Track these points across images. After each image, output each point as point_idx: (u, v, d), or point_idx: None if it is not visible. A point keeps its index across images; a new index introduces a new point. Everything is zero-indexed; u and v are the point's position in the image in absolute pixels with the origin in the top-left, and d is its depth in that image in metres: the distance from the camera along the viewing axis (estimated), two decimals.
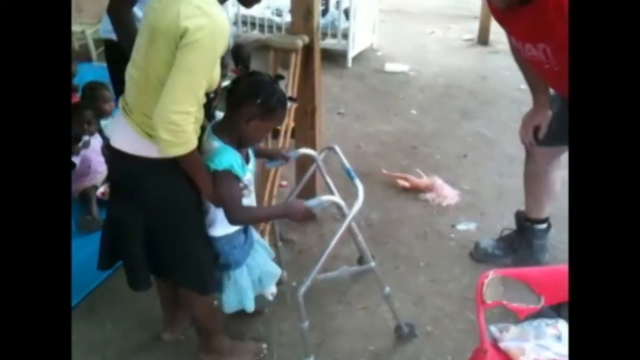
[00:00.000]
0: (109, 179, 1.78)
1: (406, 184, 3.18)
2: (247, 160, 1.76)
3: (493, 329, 1.74)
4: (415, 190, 3.15)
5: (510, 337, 1.68)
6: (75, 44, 5.47)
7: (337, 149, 2.11)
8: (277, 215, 1.79)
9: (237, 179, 1.66)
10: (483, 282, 1.59)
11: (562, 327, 1.70)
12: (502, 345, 1.61)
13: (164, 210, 1.67)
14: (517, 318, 1.66)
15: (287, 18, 5.07)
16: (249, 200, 1.79)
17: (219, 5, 1.49)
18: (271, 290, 2.04)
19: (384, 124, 4.04)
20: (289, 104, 1.75)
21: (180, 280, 1.84)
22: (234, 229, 1.79)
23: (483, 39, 5.66)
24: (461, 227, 2.87)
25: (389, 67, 5.07)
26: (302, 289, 1.81)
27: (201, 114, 1.60)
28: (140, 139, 1.56)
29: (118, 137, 1.63)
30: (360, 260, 2.00)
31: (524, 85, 4.63)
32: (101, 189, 3.04)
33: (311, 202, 1.77)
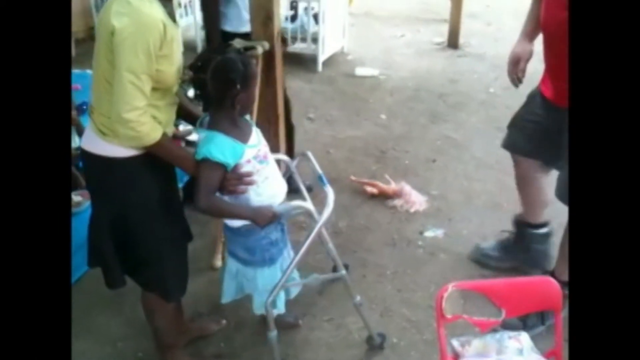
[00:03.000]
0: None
1: (374, 191, 3.14)
2: (248, 137, 1.71)
3: (455, 342, 1.70)
4: (383, 197, 3.12)
5: (472, 352, 1.65)
6: None
7: (310, 155, 2.09)
8: (243, 216, 1.73)
9: (220, 165, 1.62)
10: (442, 296, 1.56)
11: (524, 339, 1.67)
12: None
13: (125, 209, 1.66)
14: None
15: None
16: (265, 181, 1.73)
17: (154, 1, 1.50)
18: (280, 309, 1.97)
19: (353, 129, 4.00)
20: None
21: (143, 281, 1.81)
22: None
23: (453, 42, 5.66)
24: (429, 233, 2.84)
25: (359, 71, 5.04)
26: (270, 298, 1.79)
27: (166, 102, 1.63)
28: (98, 138, 1.59)
29: (84, 137, 1.67)
30: (334, 269, 1.99)
31: (492, 89, 4.71)
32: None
33: (279, 207, 1.75)
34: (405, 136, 3.87)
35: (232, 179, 1.66)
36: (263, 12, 2.28)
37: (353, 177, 3.25)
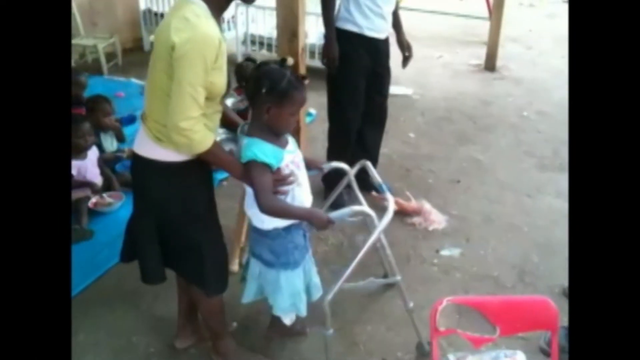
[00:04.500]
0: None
1: (394, 207, 3.17)
2: (285, 144, 1.82)
3: (451, 357, 1.73)
4: (402, 214, 3.15)
5: None
6: (89, 57, 5.62)
7: (369, 163, 2.22)
8: (302, 217, 1.83)
9: (267, 166, 1.72)
10: (437, 310, 1.59)
11: (520, 359, 1.68)
12: None
13: (171, 209, 1.79)
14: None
15: None
16: (298, 187, 1.84)
17: (209, 18, 1.62)
18: (292, 317, 2.08)
19: (381, 147, 4.04)
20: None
21: (187, 276, 1.95)
22: (283, 222, 1.84)
23: (490, 64, 5.66)
24: (445, 252, 2.86)
25: (393, 89, 5.03)
26: (329, 297, 1.89)
27: (213, 110, 1.74)
28: (152, 142, 1.72)
29: (136, 141, 1.80)
30: (385, 275, 2.11)
31: (526, 112, 4.69)
32: (93, 200, 3.11)
33: (335, 214, 1.85)
34: (431, 156, 3.90)
35: (275, 180, 1.76)
36: (289, 30, 2.39)
37: (374, 193, 3.30)
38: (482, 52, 5.83)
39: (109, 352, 2.21)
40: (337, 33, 2.85)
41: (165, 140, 1.68)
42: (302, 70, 2.53)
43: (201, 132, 1.64)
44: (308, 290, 2.02)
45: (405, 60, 3.25)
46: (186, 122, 1.58)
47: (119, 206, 3.12)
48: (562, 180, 3.55)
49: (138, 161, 1.79)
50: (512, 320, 1.63)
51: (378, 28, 2.90)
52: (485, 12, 6.42)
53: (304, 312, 1.99)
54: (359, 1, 2.80)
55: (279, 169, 1.77)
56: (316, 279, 2.03)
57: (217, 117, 1.81)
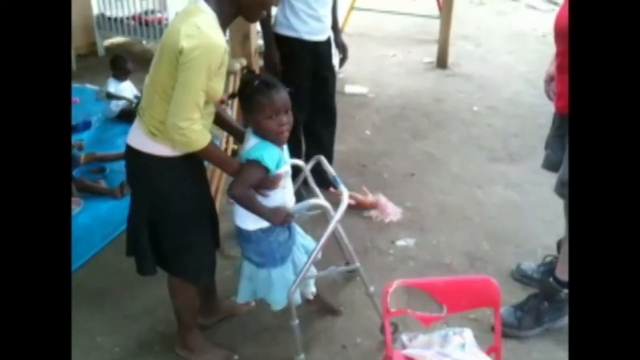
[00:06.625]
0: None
1: (351, 202, 3.27)
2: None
3: (404, 337, 1.84)
4: (360, 207, 3.26)
5: (417, 345, 1.78)
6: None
7: (323, 158, 2.33)
8: (262, 213, 1.92)
9: (265, 169, 1.85)
10: (387, 292, 1.69)
11: (468, 336, 1.80)
12: (406, 352, 1.71)
13: (164, 201, 1.90)
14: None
15: None
16: (283, 190, 1.97)
17: (218, 28, 1.72)
18: (311, 290, 2.23)
19: (338, 144, 4.08)
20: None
21: (173, 268, 2.03)
22: (266, 223, 1.95)
23: (442, 62, 5.84)
24: (400, 243, 2.98)
25: (349, 89, 5.21)
26: (293, 288, 1.99)
27: (208, 111, 1.85)
28: (145, 136, 1.82)
29: (131, 135, 1.89)
30: (347, 263, 2.29)
31: (476, 107, 4.86)
32: None
33: (294, 207, 1.98)
34: (386, 151, 4.03)
35: (269, 181, 1.90)
36: (241, 32, 2.46)
37: (332, 189, 3.40)
38: (435, 50, 6.01)
39: (74, 351, 2.18)
40: (277, 38, 2.92)
41: (159, 135, 1.79)
42: (257, 71, 2.60)
43: (198, 132, 1.74)
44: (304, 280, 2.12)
45: (341, 61, 3.35)
46: (185, 122, 1.69)
47: (77, 212, 3.13)
48: (511, 172, 3.74)
49: (132, 154, 1.89)
50: (457, 299, 1.75)
51: (316, 31, 2.98)
52: (436, 11, 6.60)
53: (298, 301, 2.11)
54: (294, 6, 2.87)
55: (273, 175, 1.90)
56: (312, 269, 2.13)
57: (211, 118, 1.92)
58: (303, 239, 2.20)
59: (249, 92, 1.84)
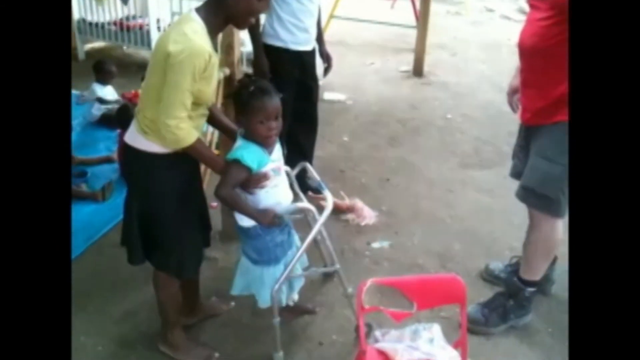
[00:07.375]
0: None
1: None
2: (272, 151, 2.04)
3: (377, 333, 1.95)
4: (337, 211, 3.36)
5: (388, 340, 1.89)
6: None
7: (309, 165, 2.46)
8: (249, 214, 2.02)
9: (247, 168, 1.94)
10: (362, 290, 1.81)
11: (436, 331, 1.92)
12: (378, 345, 1.82)
13: (153, 195, 2.01)
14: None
15: None
16: (275, 189, 2.05)
17: (205, 35, 1.85)
18: (294, 297, 2.30)
19: (317, 149, 4.21)
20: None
21: (159, 261, 2.12)
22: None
23: (418, 70, 6.00)
24: (375, 245, 3.10)
25: (327, 95, 5.34)
26: (276, 287, 2.08)
27: (199, 113, 1.97)
28: (139, 135, 1.94)
29: (127, 133, 2.02)
30: (325, 266, 2.44)
31: (450, 115, 5.02)
32: None
33: (280, 209, 2.05)
34: (364, 157, 4.15)
35: (254, 180, 1.99)
36: (225, 42, 2.56)
37: (310, 193, 3.51)
38: (411, 58, 6.17)
39: None
40: (265, 48, 3.04)
41: (150, 133, 1.90)
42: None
43: (186, 130, 1.85)
44: (290, 283, 2.23)
45: (326, 70, 3.48)
46: (173, 120, 1.81)
47: None
48: (482, 176, 3.90)
49: (127, 150, 2.01)
50: (427, 296, 1.87)
51: (302, 41, 3.09)
52: (414, 21, 6.77)
53: (283, 301, 2.20)
54: (281, 17, 2.98)
55: (257, 173, 1.98)
56: (298, 269, 2.23)
57: (203, 119, 2.05)
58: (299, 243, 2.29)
59: (245, 96, 1.95)
